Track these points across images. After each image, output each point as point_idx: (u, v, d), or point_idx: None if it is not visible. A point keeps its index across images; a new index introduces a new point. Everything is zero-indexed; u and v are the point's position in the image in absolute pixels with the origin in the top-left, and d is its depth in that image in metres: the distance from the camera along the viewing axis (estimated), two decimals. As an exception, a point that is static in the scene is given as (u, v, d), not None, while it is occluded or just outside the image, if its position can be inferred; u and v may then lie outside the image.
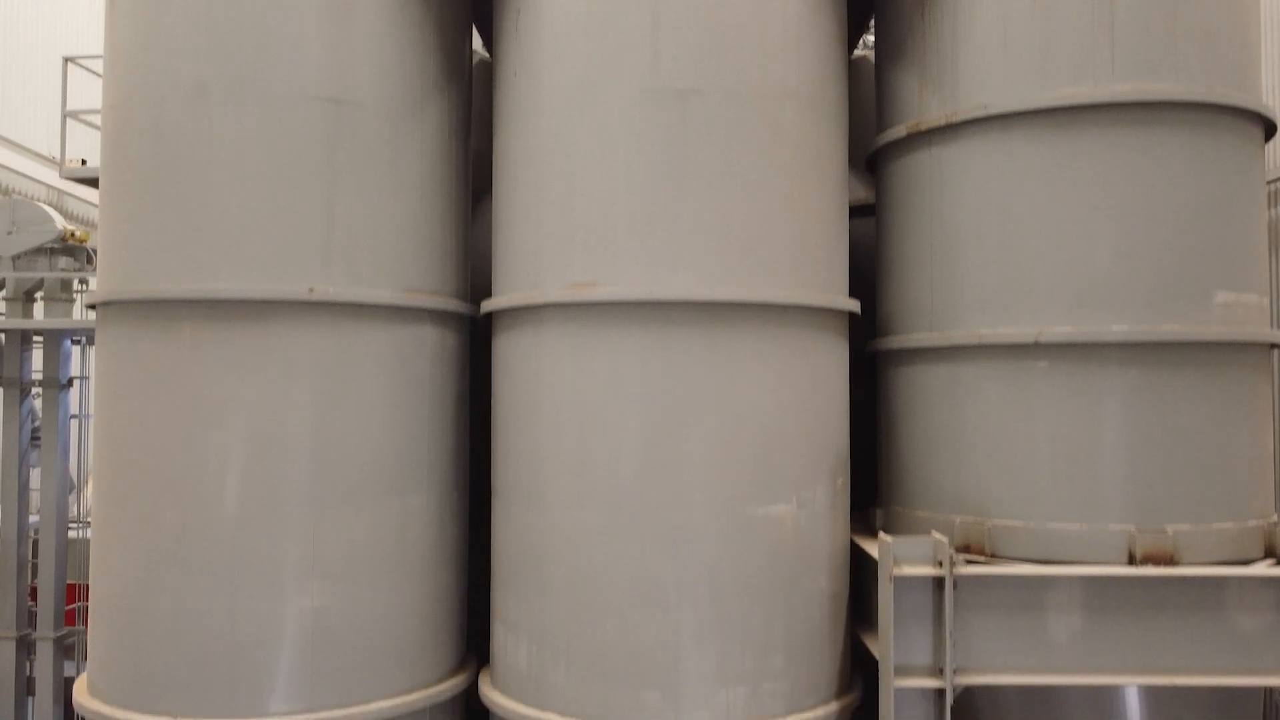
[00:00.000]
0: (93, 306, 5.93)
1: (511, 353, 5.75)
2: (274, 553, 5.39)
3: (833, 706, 5.57)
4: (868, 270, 6.56)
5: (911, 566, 5.07)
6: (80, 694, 5.71)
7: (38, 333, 11.37)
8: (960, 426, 5.62)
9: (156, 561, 5.42)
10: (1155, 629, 5.09)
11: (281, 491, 5.42)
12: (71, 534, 12.26)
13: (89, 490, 10.83)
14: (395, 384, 5.71)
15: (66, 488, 11.35)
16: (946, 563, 5.04)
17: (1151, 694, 5.29)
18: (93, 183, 8.92)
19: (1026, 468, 5.41)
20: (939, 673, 5.05)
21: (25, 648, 11.23)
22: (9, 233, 10.68)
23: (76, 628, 11.39)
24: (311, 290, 5.41)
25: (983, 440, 5.54)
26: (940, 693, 5.06)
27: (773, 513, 5.39)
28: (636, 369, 5.33)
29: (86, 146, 13.23)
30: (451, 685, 5.96)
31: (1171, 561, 5.14)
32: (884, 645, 5.09)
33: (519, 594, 5.61)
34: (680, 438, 5.30)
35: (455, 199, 6.21)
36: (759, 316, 5.38)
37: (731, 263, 5.35)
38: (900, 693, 5.06)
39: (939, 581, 5.07)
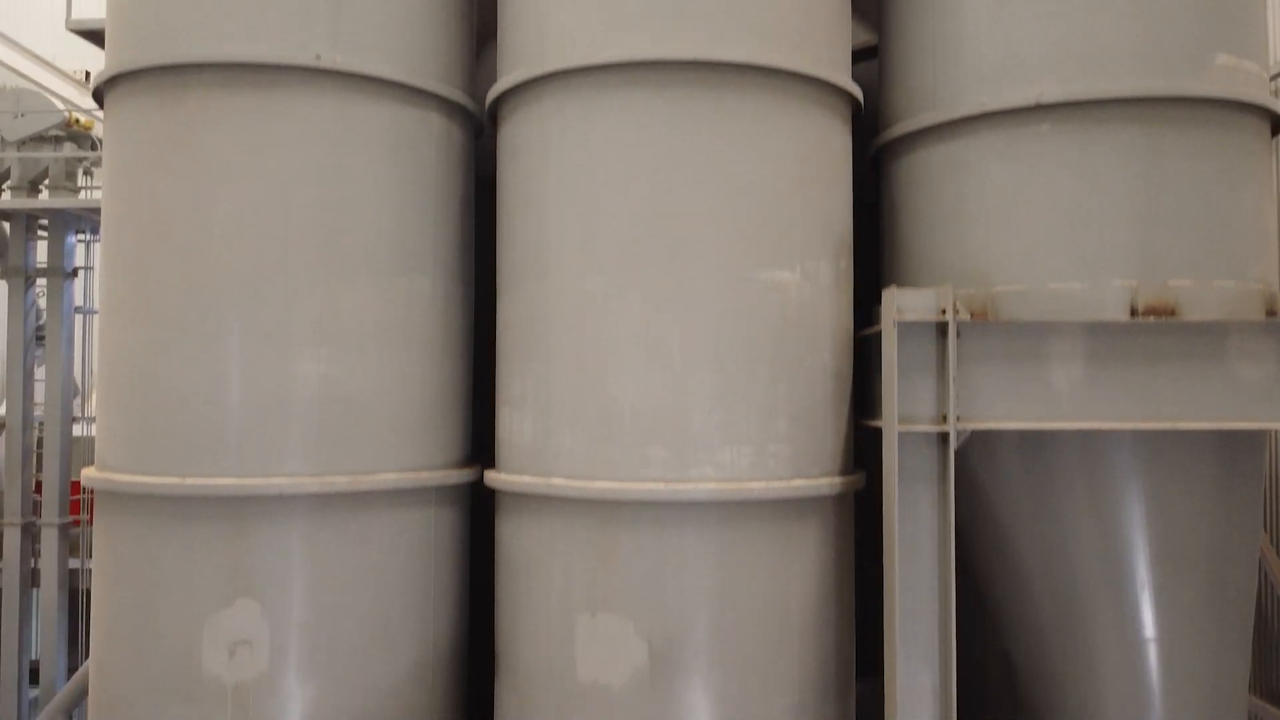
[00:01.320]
0: (99, 100, 5.97)
1: (517, 136, 5.80)
2: (282, 319, 5.43)
3: (836, 480, 5.61)
4: (870, 117, 6.50)
5: (915, 314, 5.11)
6: (89, 474, 5.75)
7: (42, 224, 11.44)
8: (963, 201, 5.66)
9: (165, 329, 5.45)
10: (1156, 379, 5.12)
11: (289, 259, 5.46)
12: (76, 432, 12.33)
13: (94, 397, 10.84)
14: (401, 164, 5.75)
15: (70, 376, 11.40)
16: (950, 309, 5.07)
17: (1149, 449, 5.31)
18: (99, 38, 8.94)
19: (1029, 233, 5.45)
20: (942, 420, 5.09)
21: (30, 535, 11.28)
22: (15, 117, 10.74)
23: (80, 515, 11.44)
24: (319, 57, 5.46)
25: (985, 212, 5.58)
26: (944, 437, 5.10)
27: (776, 278, 5.43)
28: (641, 133, 5.38)
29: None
30: (459, 474, 6.00)
31: (1173, 313, 5.17)
32: (887, 393, 5.13)
33: (525, 368, 5.65)
34: (685, 200, 5.35)
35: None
36: (762, 82, 5.42)
37: (736, 28, 5.40)
38: (904, 437, 5.10)
39: (942, 329, 5.11)
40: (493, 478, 5.84)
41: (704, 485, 5.26)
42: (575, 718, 5.34)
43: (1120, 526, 5.40)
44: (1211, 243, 5.35)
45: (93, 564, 5.75)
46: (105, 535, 5.65)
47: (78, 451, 11.93)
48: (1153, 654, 5.46)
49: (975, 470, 5.64)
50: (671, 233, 5.34)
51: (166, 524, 5.39)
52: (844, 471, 5.72)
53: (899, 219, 6.12)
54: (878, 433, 5.38)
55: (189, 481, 5.32)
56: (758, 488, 5.32)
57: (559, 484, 5.41)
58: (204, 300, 5.41)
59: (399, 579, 5.69)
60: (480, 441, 6.29)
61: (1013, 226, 5.50)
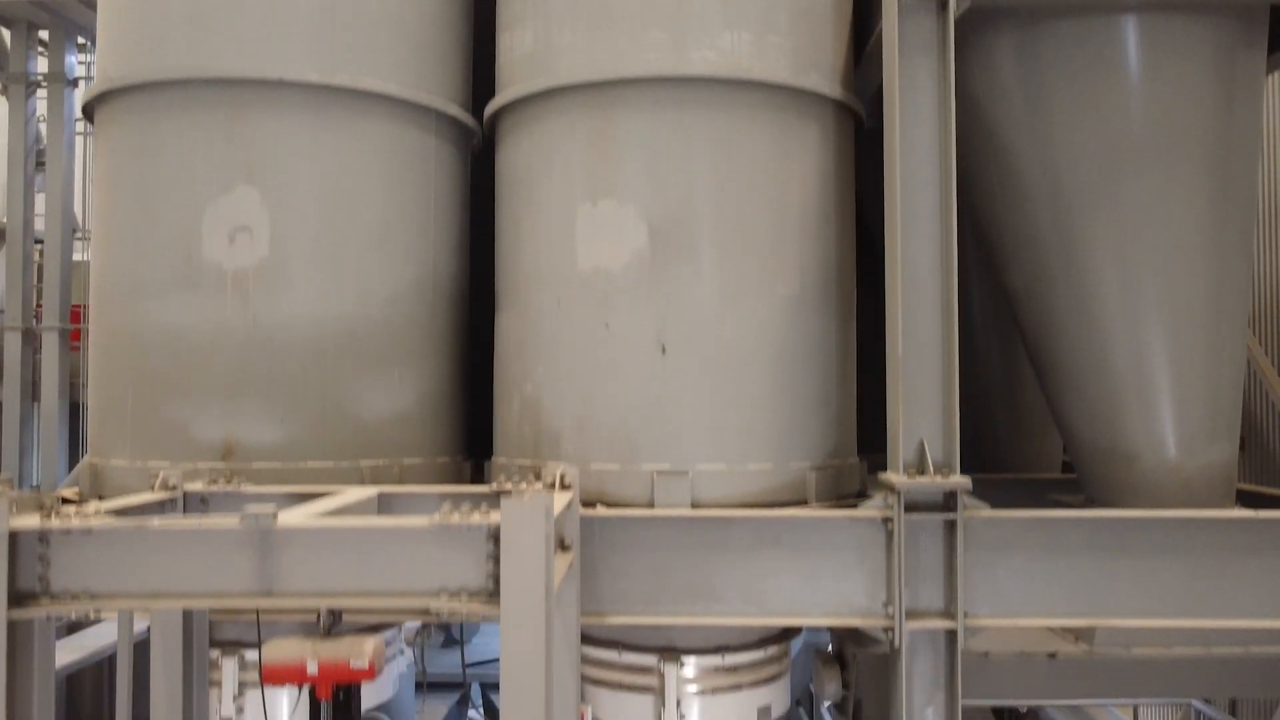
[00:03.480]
0: None
1: None
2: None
3: (837, 86, 5.62)
4: None
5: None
6: (89, 90, 5.75)
7: (43, 40, 11.44)
8: None
9: (164, -74, 5.47)
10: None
11: None
12: (76, 257, 12.34)
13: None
14: None
15: (71, 183, 11.40)
16: (949, -126, 5.08)
17: (1150, 30, 5.30)
18: None
19: None
20: (942, -16, 5.10)
21: (31, 342, 11.29)
22: (15, -88, 10.74)
23: (81, 324, 11.45)
24: None
25: None
26: (943, 3, 5.09)
27: None
28: None
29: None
30: (459, 110, 6.01)
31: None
32: (887, -40, 5.14)
33: (525, -16, 5.66)
34: None
35: None
36: None
37: None
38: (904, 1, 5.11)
39: (941, -103, 5.11)
40: (491, 109, 5.85)
41: (704, 65, 5.26)
42: (575, 307, 5.34)
43: (1117, 116, 5.38)
44: None
45: (94, 180, 5.74)
46: (105, 142, 5.64)
47: (77, 277, 11.95)
48: (1150, 257, 5.44)
49: (974, 87, 5.63)
50: None
51: (166, 115, 5.38)
52: (844, 88, 5.72)
53: None
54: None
55: (190, 69, 5.32)
56: (758, 70, 5.31)
57: (560, 76, 5.40)
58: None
59: (398, 197, 5.67)
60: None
61: None
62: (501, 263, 5.81)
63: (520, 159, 5.66)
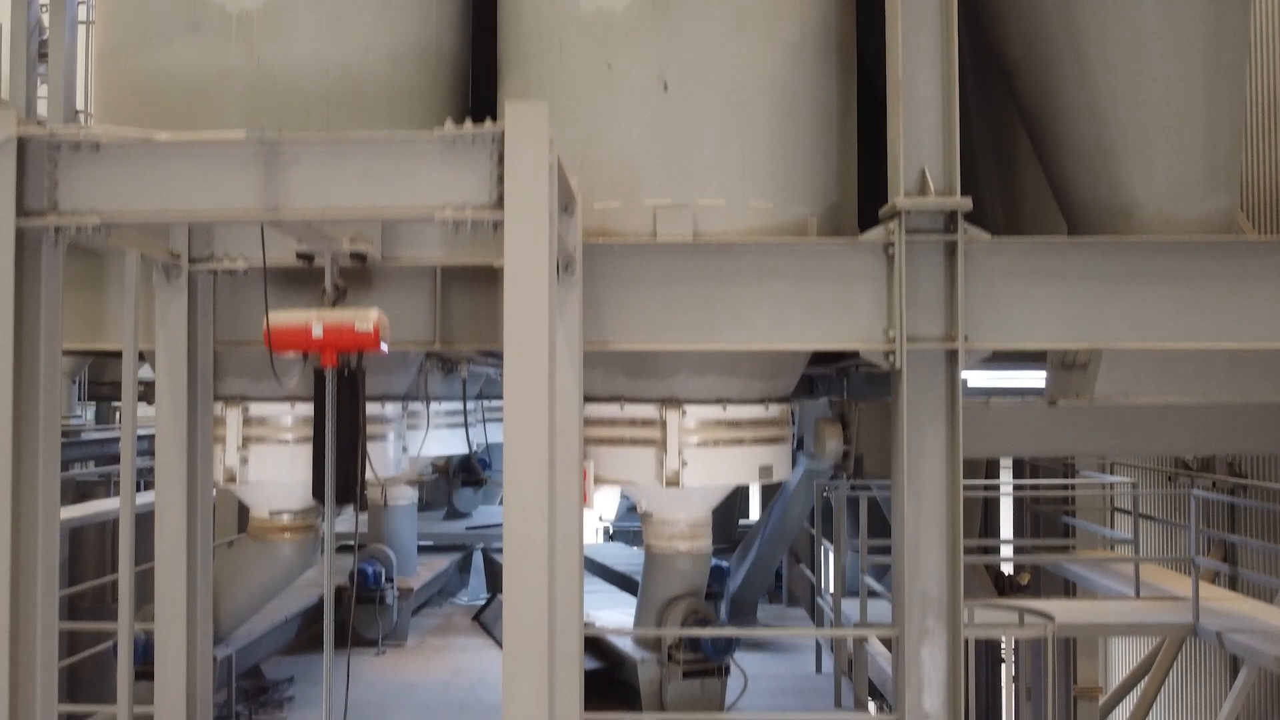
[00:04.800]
0: None
1: None
2: None
3: None
4: None
5: None
6: None
7: (46, -75, 11.45)
8: None
9: None
10: None
11: None
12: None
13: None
14: None
15: (73, 70, 11.41)
16: None
17: None
18: None
19: None
20: None
21: (33, 225, 11.30)
22: None
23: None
24: None
25: None
26: None
27: None
28: None
29: None
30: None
31: None
32: None
33: None
34: None
35: None
36: None
37: None
38: None
39: None
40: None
41: None
42: (577, 50, 5.37)
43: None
44: None
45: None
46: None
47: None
48: (1149, 7, 5.47)
49: None
50: None
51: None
52: None
53: None
54: None
55: None
56: None
57: None
58: None
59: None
60: None
61: None
62: (504, 29, 5.83)
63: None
